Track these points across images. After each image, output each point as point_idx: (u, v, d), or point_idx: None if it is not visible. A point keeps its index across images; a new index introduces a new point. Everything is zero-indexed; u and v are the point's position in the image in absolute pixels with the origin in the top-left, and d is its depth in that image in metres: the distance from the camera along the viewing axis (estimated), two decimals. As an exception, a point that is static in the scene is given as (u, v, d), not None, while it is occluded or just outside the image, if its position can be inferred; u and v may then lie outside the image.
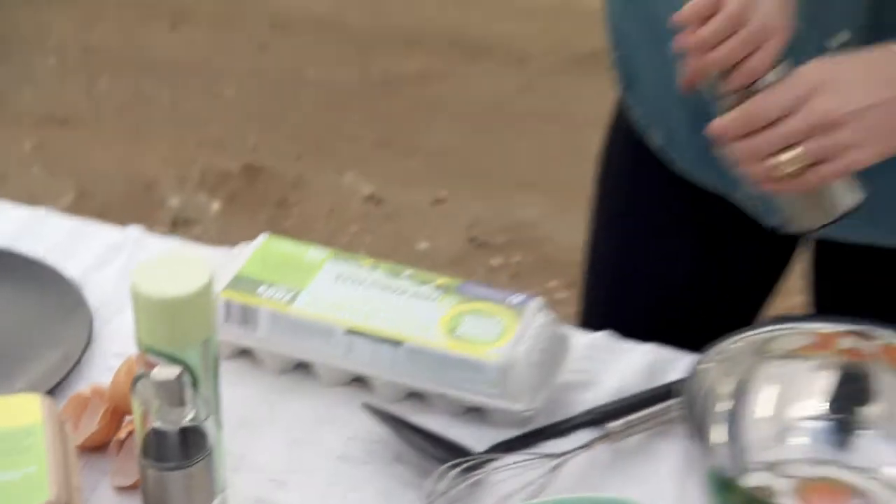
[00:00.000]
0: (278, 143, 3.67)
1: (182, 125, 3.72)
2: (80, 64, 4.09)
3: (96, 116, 3.79)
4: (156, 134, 3.68)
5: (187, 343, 0.97)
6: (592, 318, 1.49)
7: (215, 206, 3.37)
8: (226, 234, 3.17)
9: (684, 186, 1.42)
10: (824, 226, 1.15)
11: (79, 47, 4.15)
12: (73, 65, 4.07)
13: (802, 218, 1.18)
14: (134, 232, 1.45)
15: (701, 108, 1.28)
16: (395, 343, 1.17)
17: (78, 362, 1.19)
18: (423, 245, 3.23)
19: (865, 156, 1.11)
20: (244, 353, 1.22)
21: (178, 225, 3.26)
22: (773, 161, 1.10)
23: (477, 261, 3.19)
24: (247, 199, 3.40)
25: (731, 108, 1.13)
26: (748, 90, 1.12)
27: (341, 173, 3.54)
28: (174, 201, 3.36)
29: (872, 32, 1.22)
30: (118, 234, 1.45)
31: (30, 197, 3.34)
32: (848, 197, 1.14)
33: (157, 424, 0.90)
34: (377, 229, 3.33)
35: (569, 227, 2.89)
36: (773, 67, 1.12)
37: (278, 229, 3.22)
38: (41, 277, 1.31)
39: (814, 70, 1.13)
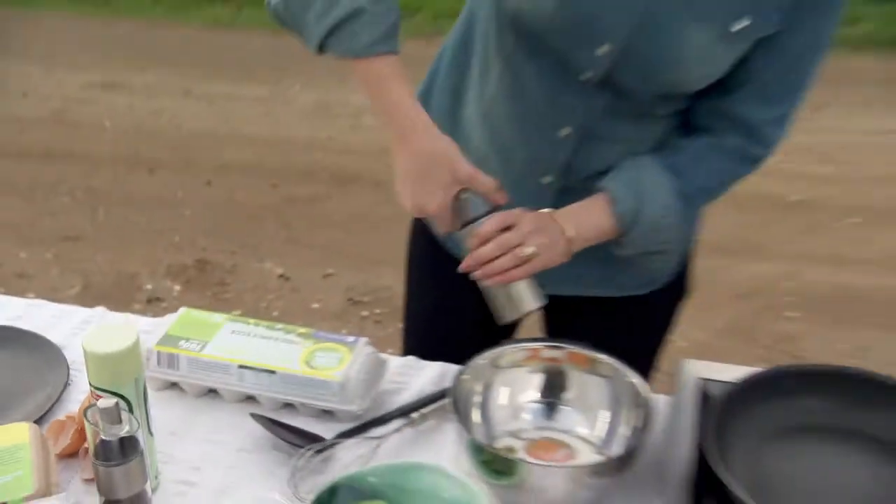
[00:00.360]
0: (219, 244, 3.67)
1: (155, 236, 3.72)
2: (85, 199, 4.04)
3: (96, 234, 3.74)
4: (137, 244, 3.67)
5: (122, 382, 0.98)
6: (410, 348, 1.50)
7: (177, 287, 3.36)
8: (184, 307, 3.22)
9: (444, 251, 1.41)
10: (516, 321, 1.19)
11: (83, 188, 4.09)
12: (81, 200, 4.01)
13: (503, 311, 1.18)
14: (99, 310, 1.44)
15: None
16: (271, 372, 1.18)
17: (58, 399, 1.19)
18: (315, 305, 3.25)
19: (541, 265, 1.14)
20: (172, 385, 1.21)
21: (152, 302, 3.24)
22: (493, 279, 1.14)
23: (352, 314, 3.22)
24: (198, 283, 3.39)
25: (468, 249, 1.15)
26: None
27: (262, 262, 3.56)
28: (149, 286, 3.34)
29: (570, 175, 1.25)
30: (89, 312, 1.43)
31: (50, 290, 3.43)
32: (533, 301, 1.17)
33: (103, 436, 0.91)
34: (286, 297, 3.34)
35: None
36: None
37: (220, 301, 3.28)
38: (35, 343, 1.28)
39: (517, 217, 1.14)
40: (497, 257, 1.10)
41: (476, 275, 1.14)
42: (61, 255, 3.54)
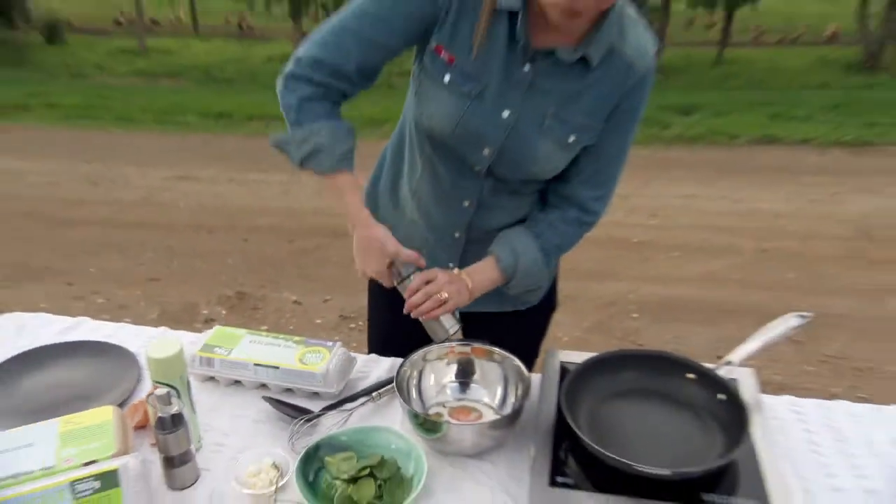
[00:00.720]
0: (252, 282, 3.59)
1: (209, 278, 3.62)
2: (164, 253, 3.98)
3: (170, 277, 3.70)
4: (197, 283, 3.57)
5: (172, 377, 0.98)
6: (372, 349, 1.43)
7: (224, 312, 3.27)
8: (218, 325, 3.18)
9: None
10: (443, 341, 1.18)
11: (163, 247, 4.03)
12: (160, 254, 3.96)
13: (436, 336, 1.18)
14: (161, 329, 1.40)
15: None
16: (276, 367, 1.17)
17: (133, 390, 1.18)
18: (319, 321, 3.18)
19: (453, 306, 1.15)
20: (210, 378, 1.20)
21: (207, 322, 3.14)
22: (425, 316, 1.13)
23: (343, 326, 3.16)
24: (238, 308, 3.31)
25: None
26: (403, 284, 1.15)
27: (281, 293, 3.48)
28: (205, 312, 3.25)
29: (472, 231, 1.24)
30: (156, 331, 1.39)
31: (138, 316, 3.30)
32: (453, 327, 1.17)
33: (160, 414, 0.91)
34: (298, 316, 3.26)
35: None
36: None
37: (253, 320, 3.19)
38: (119, 353, 1.26)
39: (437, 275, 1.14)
40: (423, 302, 1.12)
41: (412, 314, 1.14)
42: (146, 293, 3.45)
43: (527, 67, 1.04)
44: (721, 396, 1.03)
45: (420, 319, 1.16)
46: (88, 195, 4.67)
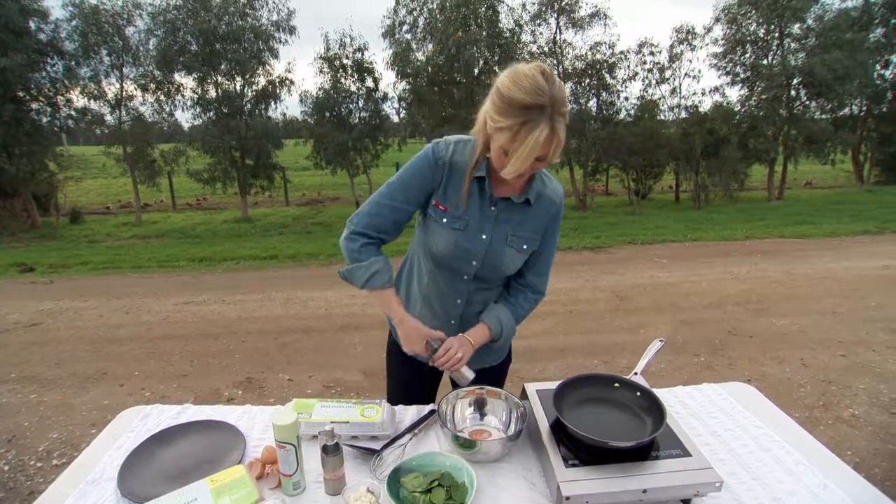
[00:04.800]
0: (255, 369, 3.55)
1: (223, 370, 3.55)
2: (186, 357, 3.87)
3: (195, 373, 3.56)
4: (215, 375, 3.49)
5: (291, 437, 1.02)
6: (391, 396, 1.46)
7: (239, 392, 3.21)
8: (246, 403, 3.05)
9: (407, 359, 1.39)
10: (466, 385, 1.24)
11: (186, 352, 3.85)
12: (184, 357, 3.86)
13: (461, 381, 1.24)
14: (247, 407, 1.38)
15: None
16: (346, 423, 1.20)
17: (244, 453, 1.18)
18: (308, 391, 3.13)
19: (467, 358, 1.25)
20: None
21: (229, 401, 3.03)
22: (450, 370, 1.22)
23: (326, 392, 3.12)
24: (248, 389, 3.22)
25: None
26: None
27: (277, 374, 3.41)
28: (225, 393, 3.13)
29: (463, 318, 1.33)
30: (241, 408, 1.37)
31: (177, 403, 2.96)
32: (469, 375, 1.25)
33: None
34: (292, 390, 3.17)
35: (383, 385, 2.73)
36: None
37: (261, 396, 3.11)
38: (224, 426, 1.26)
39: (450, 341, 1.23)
40: (447, 360, 1.23)
41: (441, 368, 1.25)
42: (180, 385, 3.33)
43: (493, 208, 1.21)
44: (638, 394, 1.16)
45: (448, 373, 1.27)
46: (124, 320, 4.72)
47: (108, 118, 12.20)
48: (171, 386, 3.35)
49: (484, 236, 1.21)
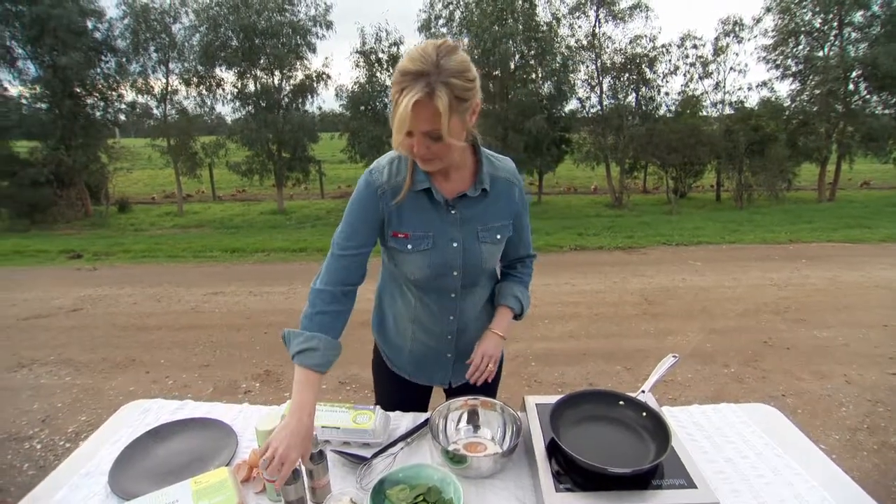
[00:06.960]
0: (274, 362, 3.60)
1: (243, 361, 3.59)
2: (208, 348, 3.98)
3: (216, 363, 3.66)
4: (236, 366, 3.54)
5: None
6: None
7: (257, 385, 3.24)
8: (263, 395, 3.08)
9: (398, 377, 1.37)
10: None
11: (209, 342, 3.97)
12: (207, 348, 3.96)
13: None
14: (245, 405, 1.38)
15: (412, 358, 1.32)
16: (337, 428, 1.19)
17: (234, 453, 1.18)
18: (325, 386, 3.13)
19: (498, 354, 1.25)
20: None
21: (246, 393, 3.10)
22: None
23: (341, 388, 3.13)
24: (266, 381, 3.26)
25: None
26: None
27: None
28: (244, 385, 3.18)
29: (458, 332, 1.29)
30: (239, 407, 1.37)
31: (197, 391, 3.12)
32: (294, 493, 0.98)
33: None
34: (337, 388, 3.21)
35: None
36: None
37: (278, 389, 3.11)
38: (218, 425, 1.26)
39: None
40: (487, 366, 1.25)
41: (475, 383, 1.25)
42: (201, 375, 3.41)
43: (453, 211, 1.14)
44: (644, 414, 1.10)
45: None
46: (155, 309, 4.91)
47: (155, 111, 12.75)
48: (192, 375, 3.44)
49: (455, 244, 1.15)
